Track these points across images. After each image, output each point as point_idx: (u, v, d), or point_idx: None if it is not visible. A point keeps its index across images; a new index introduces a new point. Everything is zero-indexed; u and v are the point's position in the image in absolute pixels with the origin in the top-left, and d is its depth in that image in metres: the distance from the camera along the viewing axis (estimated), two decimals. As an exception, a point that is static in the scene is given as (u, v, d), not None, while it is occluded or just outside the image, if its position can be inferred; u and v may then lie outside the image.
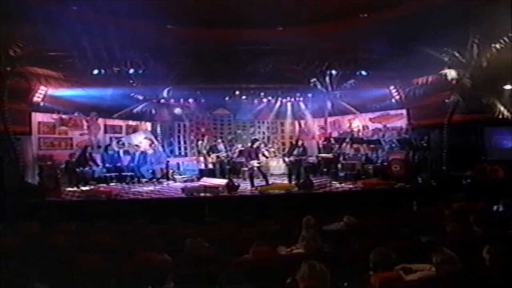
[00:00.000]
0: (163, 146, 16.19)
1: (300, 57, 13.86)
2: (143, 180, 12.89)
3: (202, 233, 6.67)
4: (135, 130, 16.40)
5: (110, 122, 15.80)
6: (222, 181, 11.15)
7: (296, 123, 18.02)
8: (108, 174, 12.41)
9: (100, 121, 15.46)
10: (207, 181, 11.74)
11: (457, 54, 10.50)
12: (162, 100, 16.22)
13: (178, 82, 15.01)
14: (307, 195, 10.48)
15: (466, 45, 10.35)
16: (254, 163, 11.95)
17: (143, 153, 13.42)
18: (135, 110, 15.19)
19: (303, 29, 12.22)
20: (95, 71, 13.53)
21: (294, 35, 12.57)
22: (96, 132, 15.28)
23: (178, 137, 17.52)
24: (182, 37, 12.45)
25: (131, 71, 13.84)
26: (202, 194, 10.37)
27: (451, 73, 10.47)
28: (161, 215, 8.88)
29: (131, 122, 16.38)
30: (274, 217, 8.30)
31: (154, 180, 12.96)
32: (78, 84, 12.91)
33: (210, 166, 14.72)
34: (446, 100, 11.39)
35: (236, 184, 11.10)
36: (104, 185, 12.35)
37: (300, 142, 12.66)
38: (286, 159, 12.86)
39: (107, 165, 12.74)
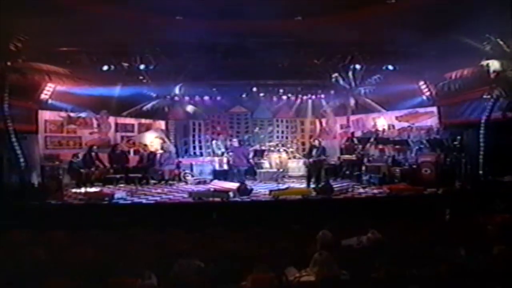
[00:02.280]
0: (176, 146, 15.51)
1: (320, 50, 12.81)
2: (152, 182, 12.12)
3: (201, 248, 5.85)
4: (148, 128, 15.75)
5: (121, 120, 15.19)
6: (234, 185, 10.25)
7: (317, 121, 17.03)
8: (113, 176, 11.63)
9: (111, 119, 14.88)
10: (217, 184, 10.88)
11: (500, 42, 9.21)
12: (176, 98, 15.53)
13: (191, 78, 14.26)
14: (326, 201, 9.48)
15: (512, 31, 9.02)
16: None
17: (152, 154, 12.68)
18: (145, 108, 14.47)
19: (324, 18, 11.11)
20: (105, 67, 12.92)
21: (313, 26, 11.50)
22: (107, 131, 14.70)
23: (193, 136, 16.83)
24: (192, 29, 11.54)
25: (142, 67, 13.17)
26: (211, 199, 9.51)
27: (494, 64, 9.18)
28: (162, 222, 8.14)
29: (143, 121, 15.74)
30: (287, 227, 7.43)
31: (163, 182, 12.17)
32: (84, 81, 12.28)
33: (225, 167, 13.95)
34: (485, 96, 10.11)
35: (249, 187, 10.19)
36: (111, 186, 11.68)
37: (317, 142, 11.68)
38: (306, 160, 11.89)
39: (114, 165, 12.01)
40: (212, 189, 10.10)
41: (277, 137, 17.00)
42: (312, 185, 11.07)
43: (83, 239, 6.58)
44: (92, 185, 11.41)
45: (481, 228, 6.73)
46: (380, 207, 9.22)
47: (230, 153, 11.99)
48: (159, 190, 11.50)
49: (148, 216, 8.75)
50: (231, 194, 9.57)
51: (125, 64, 13.00)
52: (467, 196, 9.72)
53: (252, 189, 10.19)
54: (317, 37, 12.00)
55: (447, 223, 7.69)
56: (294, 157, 15.12)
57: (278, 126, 17.28)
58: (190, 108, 15.65)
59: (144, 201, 9.86)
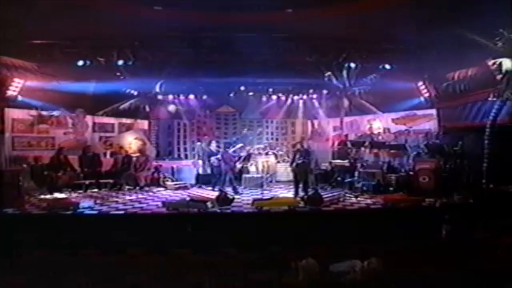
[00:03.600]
0: (157, 148, 14.56)
1: (313, 46, 11.86)
2: (126, 187, 11.07)
3: (159, 276, 4.89)
4: (129, 128, 14.74)
5: (100, 119, 14.19)
6: (213, 193, 9.28)
7: (309, 123, 16.16)
8: (83, 181, 10.51)
9: (88, 118, 13.86)
10: (195, 192, 9.89)
11: (515, 39, 8.28)
12: (159, 96, 14.56)
13: (173, 76, 13.25)
14: (314, 213, 8.52)
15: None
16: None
17: (127, 157, 11.64)
18: (122, 107, 13.50)
19: (317, 11, 10.18)
20: (80, 62, 11.88)
21: (305, 19, 10.55)
22: (83, 131, 13.67)
23: (178, 137, 15.85)
24: (172, 21, 10.55)
25: (120, 62, 12.14)
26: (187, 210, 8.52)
27: (506, 63, 8.26)
28: (127, 238, 7.20)
29: (124, 120, 14.74)
30: (268, 247, 6.48)
31: (138, 188, 11.13)
32: (54, 77, 11.30)
33: (209, 171, 13.00)
34: (490, 98, 9.22)
35: (230, 196, 9.22)
36: (81, 192, 10.64)
37: (299, 146, 10.86)
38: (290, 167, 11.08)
39: (85, 169, 10.93)
40: (188, 198, 9.09)
41: (267, 138, 16.15)
42: (301, 193, 10.20)
43: (26, 261, 5.59)
44: (59, 191, 10.37)
45: (490, 252, 5.83)
46: (374, 221, 8.27)
47: (214, 158, 11.06)
48: (133, 197, 10.51)
49: (114, 230, 7.72)
50: (209, 204, 8.58)
51: (101, 59, 12.02)
52: (470, 209, 8.83)
53: (233, 198, 9.21)
54: (309, 31, 11.10)
55: (450, 246, 6.75)
56: (284, 161, 14.19)
57: (267, 127, 16.46)
58: (173, 108, 14.66)
59: (113, 211, 8.84)
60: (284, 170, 13.72)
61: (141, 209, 9.05)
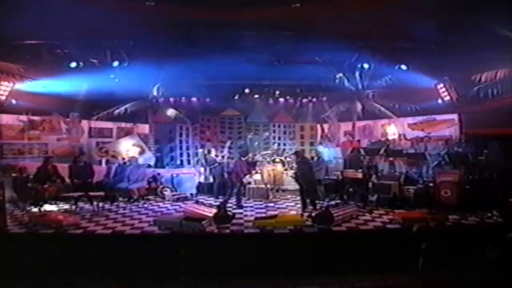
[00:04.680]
0: (157, 154, 13.75)
1: (322, 45, 10.87)
2: (120, 199, 10.21)
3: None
4: (128, 133, 14.00)
5: (97, 124, 13.45)
6: (211, 210, 8.35)
7: (319, 127, 15.18)
8: (71, 194, 9.61)
9: (84, 123, 13.11)
10: (189, 208, 8.97)
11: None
12: (160, 99, 13.76)
13: (172, 77, 12.42)
14: (323, 235, 7.54)
15: None
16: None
17: (120, 166, 10.79)
18: (117, 112, 12.71)
19: (326, 6, 9.30)
20: (73, 64, 11.14)
21: (314, 15, 9.65)
22: (79, 137, 12.94)
23: (180, 142, 15.03)
24: (168, 18, 9.70)
25: (115, 63, 11.36)
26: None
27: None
28: (110, 263, 6.38)
29: (124, 124, 13.97)
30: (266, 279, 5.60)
31: (132, 201, 10.26)
32: (41, 80, 10.59)
33: (211, 180, 12.18)
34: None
35: (230, 213, 8.29)
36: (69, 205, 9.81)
37: (294, 156, 10.06)
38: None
39: (75, 180, 10.06)
40: (183, 215, 8.18)
41: (274, 143, 15.24)
42: (309, 206, 9.28)
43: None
44: (46, 204, 9.53)
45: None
46: (390, 244, 7.26)
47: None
48: (127, 210, 9.67)
49: (98, 253, 6.86)
50: (205, 222, 7.64)
51: (95, 61, 11.25)
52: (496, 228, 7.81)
53: (234, 215, 8.27)
54: (319, 29, 10.17)
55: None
56: (292, 168, 13.22)
57: (274, 131, 15.62)
58: (169, 112, 13.94)
59: (99, 229, 7.96)
60: (292, 179, 12.79)
61: (131, 227, 8.15)
